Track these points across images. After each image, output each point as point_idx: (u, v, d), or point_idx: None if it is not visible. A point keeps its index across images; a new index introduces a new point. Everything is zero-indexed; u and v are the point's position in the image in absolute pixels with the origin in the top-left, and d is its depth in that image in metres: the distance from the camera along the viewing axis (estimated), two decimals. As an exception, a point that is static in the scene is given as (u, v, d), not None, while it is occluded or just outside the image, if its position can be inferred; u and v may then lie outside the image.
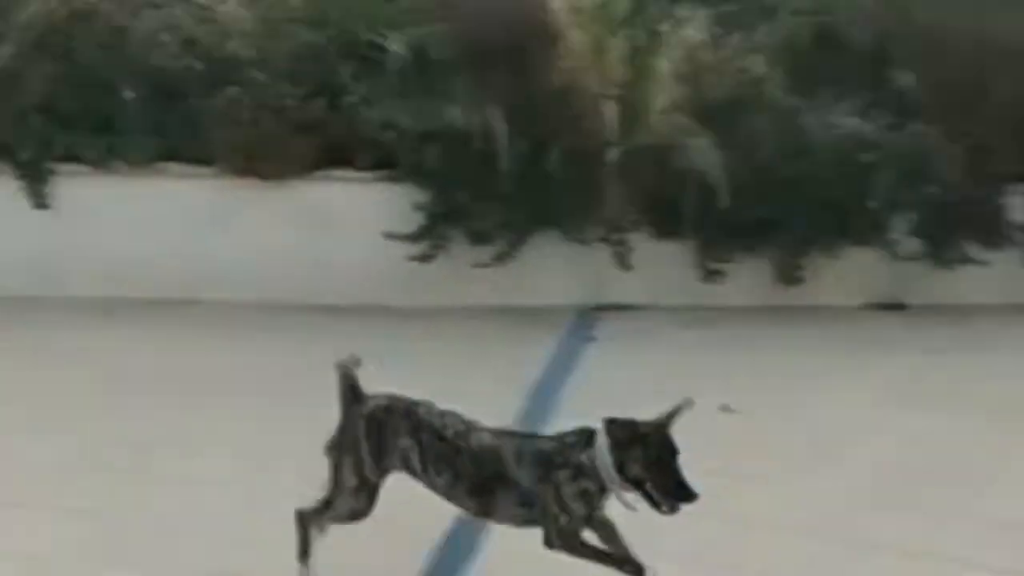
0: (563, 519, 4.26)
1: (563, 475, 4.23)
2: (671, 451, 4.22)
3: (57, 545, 5.30)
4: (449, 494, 4.42)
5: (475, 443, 4.33)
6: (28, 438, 6.69)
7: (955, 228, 10.38)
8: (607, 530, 4.36)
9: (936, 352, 9.04)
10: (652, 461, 4.18)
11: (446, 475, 4.36)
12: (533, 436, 4.50)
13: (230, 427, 6.92)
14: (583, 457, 4.23)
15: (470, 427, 4.39)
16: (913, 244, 10.36)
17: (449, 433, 4.35)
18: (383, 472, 4.46)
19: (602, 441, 4.22)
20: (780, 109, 10.26)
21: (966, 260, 10.37)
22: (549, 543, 4.32)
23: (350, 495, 4.44)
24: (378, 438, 4.42)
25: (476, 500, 4.38)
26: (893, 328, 9.95)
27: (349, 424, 4.46)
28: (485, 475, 4.30)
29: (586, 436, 4.29)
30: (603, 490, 4.26)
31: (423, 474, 4.41)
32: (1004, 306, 10.33)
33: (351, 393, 4.49)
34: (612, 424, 4.23)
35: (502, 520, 4.45)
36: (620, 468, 4.20)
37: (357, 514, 4.48)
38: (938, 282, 10.42)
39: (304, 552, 4.52)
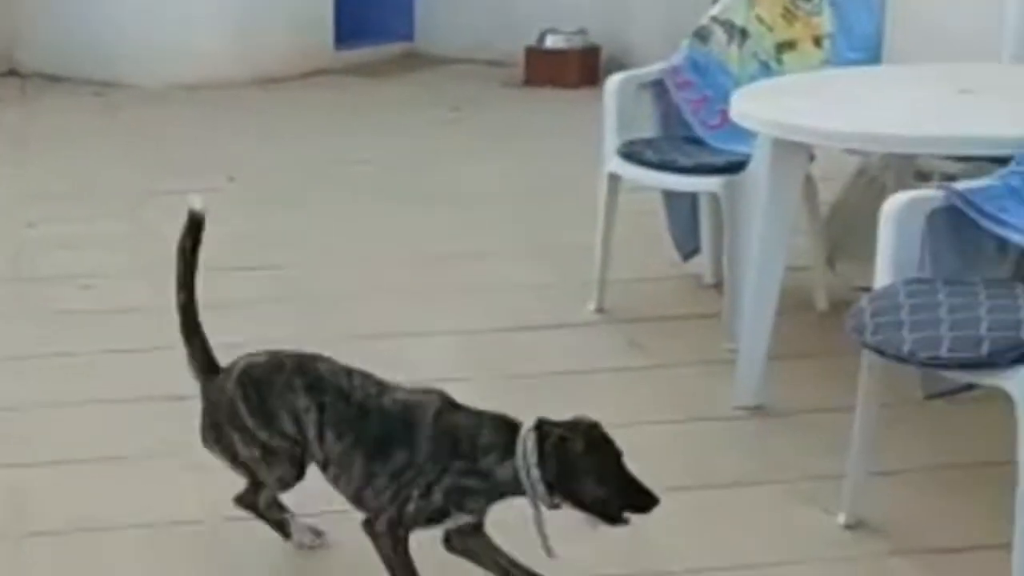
0: (412, 505, 3.27)
1: (457, 466, 3.27)
2: (616, 455, 3.25)
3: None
4: (341, 462, 3.40)
5: (388, 402, 3.40)
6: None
7: None
8: (481, 542, 3.38)
9: None
10: (603, 474, 3.22)
11: (347, 439, 3.39)
12: (459, 408, 3.37)
13: None
14: (497, 469, 3.24)
15: (384, 389, 3.45)
16: None
17: (358, 395, 3.42)
18: (282, 436, 3.45)
19: (529, 449, 3.22)
20: None
21: None
22: (371, 526, 3.32)
23: (271, 465, 3.49)
24: (258, 398, 3.46)
25: (365, 468, 3.36)
26: None
27: (212, 399, 3.53)
28: (391, 433, 3.36)
29: (505, 440, 3.27)
30: (489, 503, 3.31)
31: (316, 440, 3.42)
32: None
33: (205, 363, 3.56)
34: (549, 431, 3.21)
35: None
36: (559, 485, 3.21)
37: (286, 484, 3.52)
38: None
39: (285, 533, 3.66)
